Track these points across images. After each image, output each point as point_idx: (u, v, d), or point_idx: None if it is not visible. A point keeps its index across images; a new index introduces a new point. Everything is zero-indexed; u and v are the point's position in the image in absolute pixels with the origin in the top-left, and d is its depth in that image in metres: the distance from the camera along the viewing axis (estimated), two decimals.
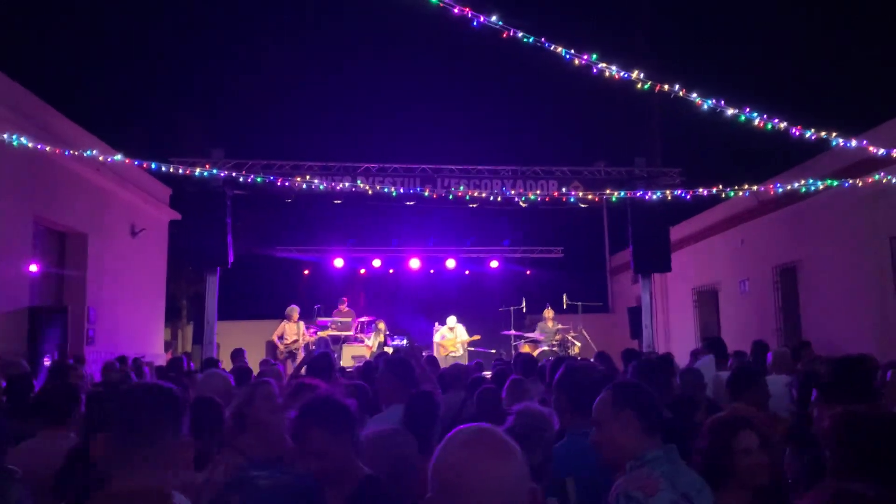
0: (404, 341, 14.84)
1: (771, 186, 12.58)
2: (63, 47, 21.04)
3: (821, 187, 11.45)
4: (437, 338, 16.03)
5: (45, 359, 10.83)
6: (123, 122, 20.75)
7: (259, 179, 13.37)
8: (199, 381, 5.21)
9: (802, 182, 11.48)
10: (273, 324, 15.14)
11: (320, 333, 15.14)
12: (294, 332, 14.42)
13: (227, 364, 10.45)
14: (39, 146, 10.48)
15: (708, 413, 4.47)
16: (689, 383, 5.05)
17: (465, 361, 13.86)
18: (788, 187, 11.80)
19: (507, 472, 1.52)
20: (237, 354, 10.05)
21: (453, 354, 15.49)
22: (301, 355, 13.00)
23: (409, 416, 3.75)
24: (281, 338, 14.40)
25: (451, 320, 16.02)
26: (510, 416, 3.23)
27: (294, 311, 14.53)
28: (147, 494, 1.93)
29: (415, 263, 20.20)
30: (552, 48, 6.82)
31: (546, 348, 14.82)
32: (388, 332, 15.83)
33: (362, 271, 20.75)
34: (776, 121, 8.34)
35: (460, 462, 1.52)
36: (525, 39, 6.66)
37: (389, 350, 14.06)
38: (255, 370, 8.33)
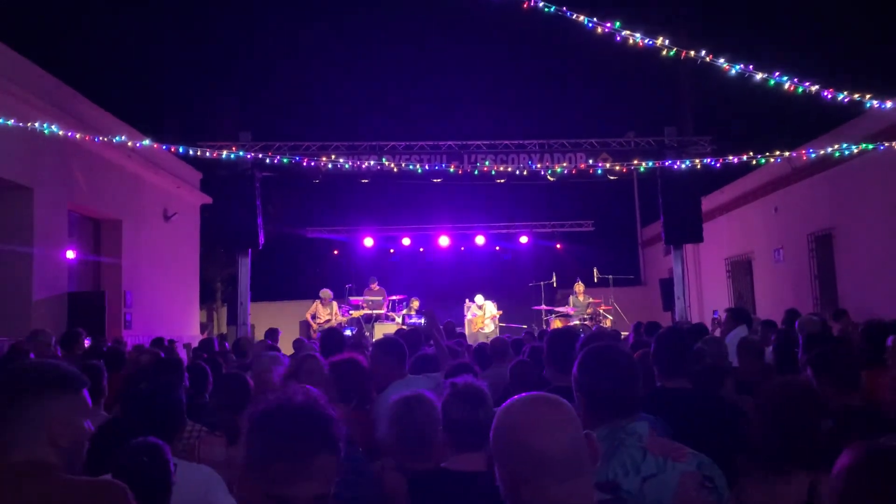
0: (422, 320, 14.91)
1: (804, 152, 12.39)
2: (90, 35, 21.30)
3: (855, 151, 11.19)
4: (468, 315, 16.17)
5: (86, 341, 11.08)
6: (152, 107, 20.98)
7: (286, 160, 13.49)
8: (255, 362, 5.15)
9: (836, 147, 11.24)
10: (306, 304, 15.33)
11: (353, 313, 15.35)
12: (327, 312, 14.62)
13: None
14: (70, 134, 10.67)
15: (739, 386, 4.41)
16: (713, 354, 4.95)
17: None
18: (822, 152, 11.60)
19: (565, 424, 1.64)
20: (271, 334, 10.17)
21: (484, 331, 15.60)
22: None
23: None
24: (314, 317, 14.57)
25: (479, 298, 16.15)
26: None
27: (327, 294, 14.73)
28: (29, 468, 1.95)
29: (444, 241, 20.31)
30: (574, 17, 6.72)
31: (577, 322, 14.84)
32: (416, 310, 15.88)
33: (392, 250, 20.88)
34: (807, 84, 8.17)
35: (521, 421, 1.64)
36: (546, 9, 6.58)
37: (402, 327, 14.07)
38: (289, 350, 8.39)
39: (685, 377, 3.47)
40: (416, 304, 15.86)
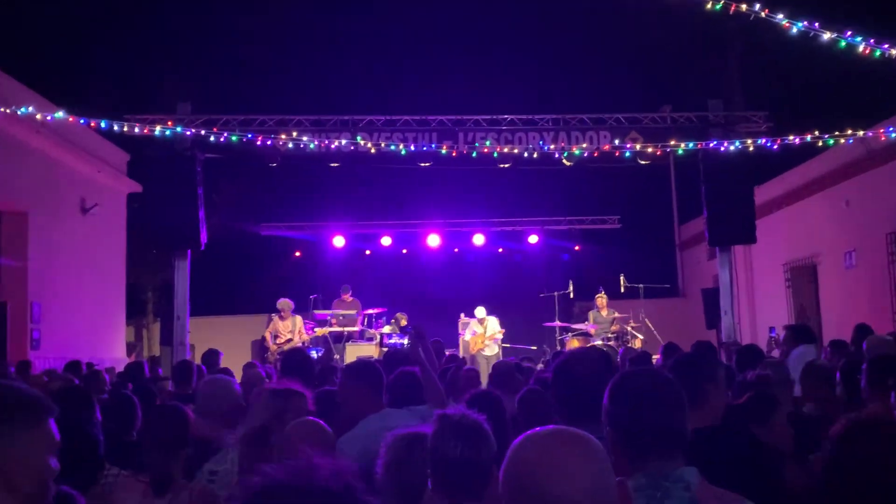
0: (405, 341, 14.92)
1: (882, 131, 12.40)
2: None
3: None
4: (466, 335, 16.24)
5: None
6: (67, 72, 20.71)
7: (235, 139, 13.47)
8: (203, 390, 5.22)
9: None
10: (259, 320, 15.51)
11: (318, 331, 15.35)
12: (288, 328, 14.64)
13: None
14: None
15: (795, 420, 4.44)
16: (778, 380, 5.05)
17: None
18: None
19: (592, 466, 1.69)
20: (209, 358, 10.14)
21: (486, 354, 15.65)
22: None
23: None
24: (274, 336, 14.65)
25: (480, 311, 16.16)
26: None
27: (286, 305, 14.76)
28: None
29: (434, 240, 20.31)
30: None
31: (599, 342, 14.88)
32: (403, 328, 15.91)
33: (368, 252, 20.83)
34: (886, 46, 8.16)
35: (538, 461, 1.69)
36: None
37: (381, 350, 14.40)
38: (238, 375, 8.37)
39: (706, 410, 3.45)
40: (403, 320, 15.93)
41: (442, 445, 2.79)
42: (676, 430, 2.33)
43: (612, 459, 2.21)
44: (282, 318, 14.73)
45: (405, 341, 14.84)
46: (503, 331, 16.21)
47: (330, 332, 15.36)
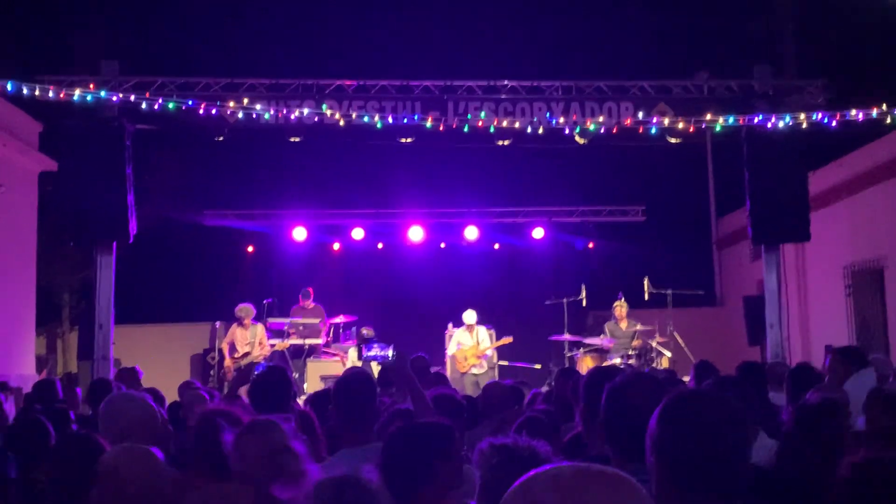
0: (389, 352, 14.96)
1: None
2: None
3: None
4: (450, 348, 16.27)
5: None
6: None
7: (173, 106, 13.40)
8: (103, 409, 5.19)
9: None
10: (200, 329, 15.69)
11: (275, 344, 15.49)
12: (246, 339, 14.84)
13: None
14: None
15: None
16: (835, 406, 4.89)
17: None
18: None
19: None
20: (125, 376, 10.17)
21: (475, 372, 15.69)
22: None
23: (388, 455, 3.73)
24: (232, 348, 14.93)
25: (470, 316, 16.17)
26: None
27: (247, 312, 15.06)
28: None
29: (416, 234, 20.28)
30: None
31: (618, 361, 14.92)
32: (371, 340, 15.92)
33: (336, 246, 20.81)
34: None
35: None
36: None
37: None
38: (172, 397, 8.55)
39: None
40: (369, 333, 16.03)
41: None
42: (735, 466, 2.36)
43: (656, 495, 2.38)
44: (241, 326, 14.90)
45: (390, 352, 14.90)
46: (508, 339, 16.21)
47: (288, 346, 15.51)
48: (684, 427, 2.36)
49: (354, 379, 4.96)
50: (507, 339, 16.20)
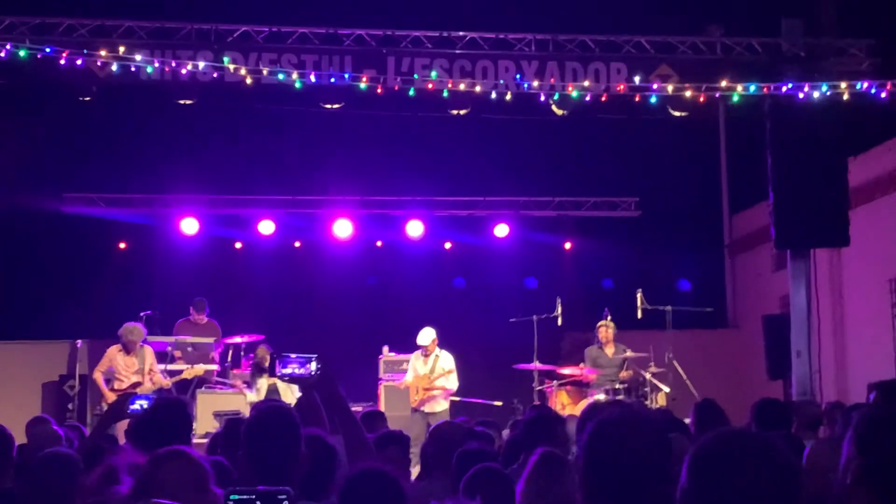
0: (312, 365, 13.63)
1: None
2: None
3: None
4: (407, 376, 15.57)
5: None
6: None
7: (25, 54, 13.10)
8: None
9: None
10: (55, 349, 15.83)
11: (183, 370, 15.14)
12: (133, 367, 14.27)
13: None
14: None
15: None
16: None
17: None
18: None
19: None
20: None
21: (427, 410, 14.92)
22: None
23: None
24: (109, 378, 14.44)
25: (427, 335, 15.15)
26: None
27: (136, 334, 14.34)
28: None
29: (343, 229, 19.93)
30: None
31: (602, 397, 14.38)
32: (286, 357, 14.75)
33: (238, 244, 20.48)
34: None
35: None
36: None
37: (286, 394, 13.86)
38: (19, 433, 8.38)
39: None
40: (266, 357, 14.68)
41: None
42: None
43: None
44: (126, 350, 14.20)
45: (313, 365, 13.37)
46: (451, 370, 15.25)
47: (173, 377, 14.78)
48: (729, 479, 2.57)
49: (272, 417, 4.80)
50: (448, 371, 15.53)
